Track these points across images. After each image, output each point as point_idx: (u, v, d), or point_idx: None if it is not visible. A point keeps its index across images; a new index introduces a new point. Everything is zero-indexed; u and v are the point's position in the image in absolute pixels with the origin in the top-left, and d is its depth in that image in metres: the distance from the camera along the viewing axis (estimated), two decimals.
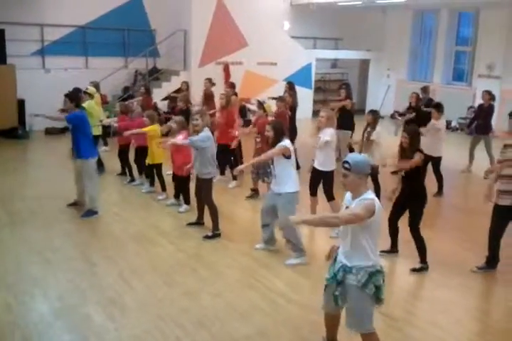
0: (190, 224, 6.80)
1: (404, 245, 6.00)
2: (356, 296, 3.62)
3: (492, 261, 5.68)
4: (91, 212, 7.05)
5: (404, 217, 5.79)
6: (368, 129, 7.44)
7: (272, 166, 5.77)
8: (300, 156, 8.83)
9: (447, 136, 9.85)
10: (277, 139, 5.58)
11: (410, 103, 9.80)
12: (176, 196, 7.61)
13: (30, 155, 11.33)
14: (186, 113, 8.41)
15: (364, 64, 17.77)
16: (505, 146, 5.54)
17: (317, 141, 6.48)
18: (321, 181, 6.71)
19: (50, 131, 12.64)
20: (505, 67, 13.76)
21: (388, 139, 9.77)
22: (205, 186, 6.40)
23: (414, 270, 5.63)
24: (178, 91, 11.44)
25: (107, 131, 10.79)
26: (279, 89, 11.57)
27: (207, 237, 6.38)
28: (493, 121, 10.32)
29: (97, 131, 8.76)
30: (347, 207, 3.65)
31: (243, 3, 14.37)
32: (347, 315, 3.75)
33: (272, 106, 8.39)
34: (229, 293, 5.05)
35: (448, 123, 12.20)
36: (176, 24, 13.88)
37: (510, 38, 13.65)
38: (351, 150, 9.24)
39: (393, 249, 6.01)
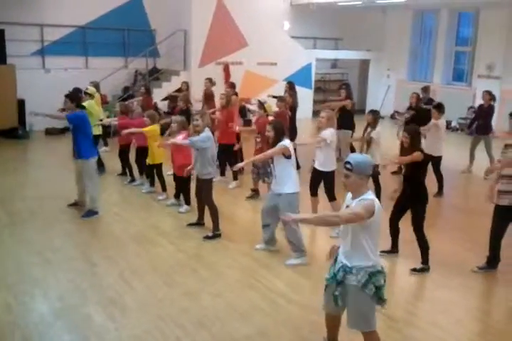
0: (190, 224, 6.80)
1: (404, 245, 6.00)
2: (356, 296, 3.62)
3: (493, 261, 5.68)
4: (91, 212, 7.05)
5: (405, 217, 5.78)
6: (368, 129, 7.45)
7: (272, 166, 5.78)
8: (300, 156, 8.83)
9: (447, 136, 9.86)
10: (278, 139, 5.59)
11: (411, 103, 9.79)
12: (177, 196, 7.61)
13: (31, 155, 11.33)
14: (186, 113, 8.41)
15: (364, 64, 17.77)
16: (506, 146, 5.54)
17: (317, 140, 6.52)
18: (321, 181, 6.71)
19: (50, 131, 12.64)
20: (505, 67, 13.76)
21: (389, 140, 9.80)
22: (205, 186, 6.40)
23: (414, 270, 5.62)
24: (178, 91, 11.45)
25: (107, 131, 10.79)
26: (279, 89, 11.57)
27: (207, 237, 6.38)
28: (494, 122, 10.32)
29: (97, 130, 8.76)
30: (347, 207, 3.65)
31: (243, 3, 14.37)
32: (348, 314, 3.74)
33: (273, 106, 8.39)
34: (229, 293, 5.05)
35: (448, 124, 12.19)
36: (176, 24, 13.88)
37: (510, 38, 13.65)
38: (352, 150, 9.25)
39: (393, 249, 6.01)
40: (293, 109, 9.55)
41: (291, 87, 10.20)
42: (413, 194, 5.62)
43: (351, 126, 9.46)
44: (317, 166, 6.64)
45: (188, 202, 7.37)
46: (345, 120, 9.31)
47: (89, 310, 4.65)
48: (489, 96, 9.88)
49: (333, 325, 4.02)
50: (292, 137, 8.31)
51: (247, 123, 11.79)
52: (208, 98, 10.11)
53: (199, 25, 13.81)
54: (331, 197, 6.66)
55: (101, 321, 4.49)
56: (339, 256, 3.75)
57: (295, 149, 6.41)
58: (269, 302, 4.89)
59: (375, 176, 7.27)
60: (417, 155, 5.50)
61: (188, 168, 6.80)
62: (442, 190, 8.55)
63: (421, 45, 16.66)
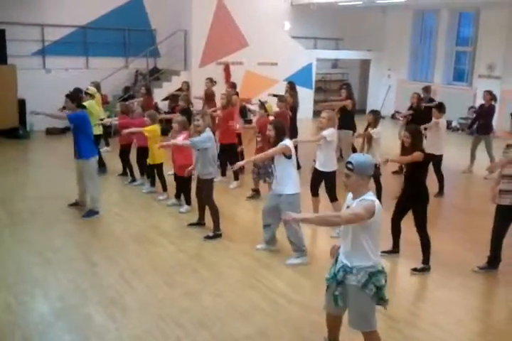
0: (191, 224, 6.79)
1: (405, 246, 5.99)
2: (356, 296, 3.62)
3: (494, 261, 5.68)
4: (92, 212, 7.05)
5: (408, 217, 5.78)
6: (369, 129, 7.44)
7: (272, 166, 5.78)
8: (300, 156, 8.83)
9: (448, 136, 9.86)
10: (278, 138, 5.60)
11: (412, 104, 9.79)
12: (177, 196, 7.61)
13: (31, 155, 11.34)
14: (187, 113, 8.41)
15: (365, 64, 17.77)
16: (508, 146, 5.53)
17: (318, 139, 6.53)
18: (322, 182, 6.71)
19: (50, 131, 12.65)
20: (506, 67, 13.76)
21: (390, 139, 9.80)
22: (206, 186, 6.40)
23: (415, 270, 5.62)
24: (178, 91, 11.44)
25: (107, 130, 10.79)
26: (280, 90, 11.57)
27: (208, 237, 6.38)
28: (494, 122, 10.32)
29: (97, 130, 8.76)
30: (348, 207, 3.65)
31: (244, 4, 14.38)
32: (349, 314, 3.75)
33: (273, 106, 8.38)
34: (230, 293, 5.04)
35: (449, 124, 12.19)
36: (176, 24, 13.89)
37: (511, 38, 13.64)
38: (354, 150, 9.25)
39: (395, 249, 6.00)
40: (294, 109, 9.55)
41: (291, 87, 10.20)
42: (414, 194, 5.62)
43: (352, 126, 9.45)
44: (318, 166, 6.64)
45: (188, 202, 7.37)
46: (345, 120, 9.30)
47: (90, 310, 4.65)
48: (490, 96, 9.88)
49: (334, 325, 4.02)
50: (293, 137, 8.29)
51: (248, 123, 11.80)
52: (209, 98, 10.11)
53: (199, 25, 13.81)
54: (332, 198, 6.66)
55: (101, 321, 4.49)
56: (340, 256, 3.75)
57: (296, 148, 6.41)
58: (270, 302, 4.89)
59: (376, 176, 7.29)
60: (417, 155, 5.49)
61: (189, 168, 6.80)
62: (443, 190, 8.55)
63: (421, 45, 16.65)
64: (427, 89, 10.94)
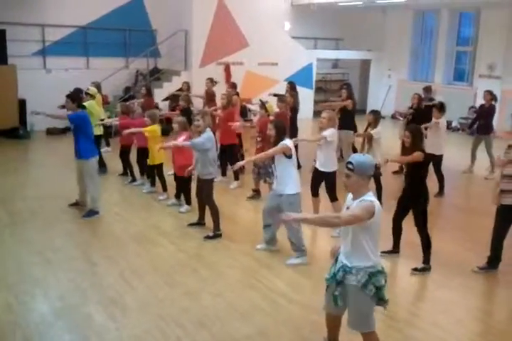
0: (191, 224, 6.80)
1: (405, 246, 5.99)
2: (356, 297, 3.62)
3: (494, 261, 5.67)
4: (92, 212, 7.05)
5: (409, 217, 5.77)
6: (369, 129, 7.44)
7: (273, 166, 5.78)
8: (301, 156, 8.83)
9: (448, 136, 9.86)
10: (279, 138, 5.61)
11: (412, 104, 9.78)
12: (177, 196, 7.61)
13: (31, 155, 11.34)
14: (187, 112, 8.42)
15: (365, 64, 17.77)
16: (510, 147, 5.53)
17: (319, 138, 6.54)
18: (322, 182, 6.71)
19: (51, 131, 12.65)
20: (506, 67, 13.75)
21: (390, 139, 9.80)
22: (206, 187, 6.40)
23: (415, 270, 5.62)
24: (179, 91, 11.44)
25: (108, 131, 10.80)
26: (280, 90, 11.58)
27: (208, 237, 6.38)
28: (495, 122, 10.31)
29: (98, 130, 8.76)
30: (348, 208, 3.65)
31: (244, 4, 14.38)
32: (348, 314, 3.75)
33: (274, 106, 8.37)
34: (230, 293, 5.04)
35: (449, 124, 12.20)
36: (176, 24, 13.89)
37: (511, 38, 13.64)
38: (354, 150, 9.24)
39: (395, 250, 6.00)
40: (294, 109, 9.55)
41: (292, 87, 10.20)
42: (414, 194, 5.61)
43: (352, 127, 9.45)
44: (318, 166, 6.64)
45: (188, 202, 7.37)
46: (346, 120, 9.30)
47: (90, 310, 4.66)
48: (490, 96, 9.87)
49: (333, 325, 4.02)
50: (293, 137, 8.29)
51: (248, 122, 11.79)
52: (210, 98, 10.12)
53: (200, 26, 13.81)
54: (333, 198, 6.66)
55: (101, 321, 4.50)
56: (340, 256, 3.75)
57: (296, 148, 6.41)
58: (270, 302, 4.89)
59: (377, 176, 7.29)
60: (417, 155, 5.48)
61: (189, 168, 6.81)
62: (443, 190, 8.55)
63: (422, 45, 16.65)
64: (427, 89, 10.94)
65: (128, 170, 8.84)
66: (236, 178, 8.67)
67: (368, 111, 11.99)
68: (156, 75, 14.05)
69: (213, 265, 5.69)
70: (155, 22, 14.24)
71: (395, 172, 9.54)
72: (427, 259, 5.64)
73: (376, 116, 7.49)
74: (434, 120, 8.36)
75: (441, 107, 8.45)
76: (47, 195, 7.91)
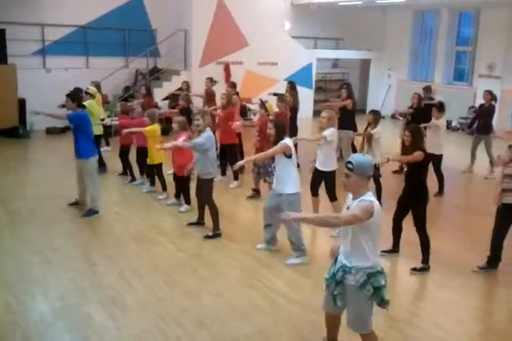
0: (190, 224, 6.79)
1: (405, 245, 5.99)
2: (354, 297, 3.62)
3: (494, 260, 5.67)
4: (92, 212, 7.05)
5: (409, 217, 5.77)
6: (369, 129, 7.44)
7: (273, 165, 5.78)
8: (301, 156, 8.82)
9: (448, 136, 9.86)
10: (279, 137, 5.61)
11: (412, 104, 9.78)
12: (177, 196, 7.61)
13: (31, 154, 11.34)
14: (187, 112, 8.41)
15: (365, 64, 17.77)
16: (511, 147, 5.52)
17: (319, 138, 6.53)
18: (322, 181, 6.71)
19: (51, 131, 12.64)
20: (506, 67, 13.75)
21: (390, 139, 9.79)
22: (205, 186, 6.39)
23: (414, 269, 5.62)
24: (178, 91, 11.43)
25: (108, 130, 10.79)
26: (280, 89, 11.56)
27: (207, 237, 6.38)
28: (494, 122, 10.31)
29: (98, 130, 8.74)
30: (348, 208, 3.65)
31: (244, 3, 14.37)
32: (347, 315, 3.75)
33: (274, 105, 8.37)
34: (229, 293, 5.04)
35: (448, 123, 12.19)
36: (176, 24, 13.88)
37: (511, 38, 13.64)
38: (354, 150, 9.24)
39: (394, 249, 6.00)
40: (294, 108, 9.55)
41: (292, 86, 10.20)
42: (414, 193, 5.61)
43: (352, 126, 9.45)
44: (318, 166, 6.63)
45: (188, 201, 7.37)
46: (346, 120, 9.30)
47: (90, 310, 4.65)
48: (490, 96, 9.87)
49: (332, 324, 4.02)
50: (292, 137, 8.29)
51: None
52: (209, 97, 10.12)
53: (200, 25, 13.81)
54: (332, 197, 6.66)
55: (101, 320, 4.49)
56: (339, 256, 3.75)
57: (296, 146, 6.41)
58: (270, 302, 4.89)
59: (376, 177, 7.28)
60: (418, 155, 5.48)
61: (189, 166, 6.80)
62: (443, 189, 8.55)
63: (421, 45, 16.64)
64: (427, 89, 10.94)
65: (127, 170, 8.84)
66: (236, 178, 8.66)
67: (367, 110, 11.99)
68: (156, 75, 14.05)
69: (213, 264, 5.69)
70: (155, 22, 14.23)
71: (394, 172, 9.54)
72: (425, 259, 5.64)
73: (376, 116, 7.49)
74: (433, 120, 8.36)
75: (441, 107, 8.45)
76: (46, 194, 7.90)
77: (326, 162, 6.57)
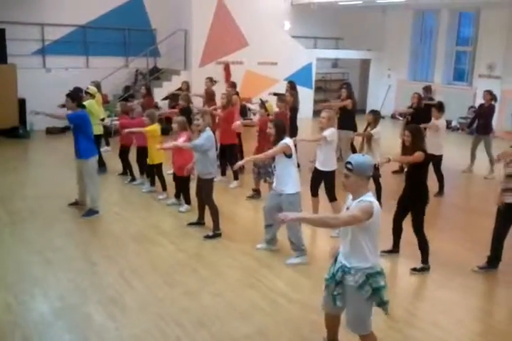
0: (190, 224, 6.79)
1: (405, 245, 5.99)
2: (353, 297, 3.62)
3: (494, 260, 5.67)
4: (92, 212, 7.05)
5: (408, 217, 5.76)
6: (369, 129, 7.44)
7: (273, 165, 5.78)
8: (301, 156, 8.81)
9: (448, 136, 9.86)
10: (279, 136, 5.61)
11: (412, 104, 9.78)
12: (177, 196, 7.60)
13: (31, 154, 11.33)
14: (187, 112, 8.41)
15: (365, 64, 17.77)
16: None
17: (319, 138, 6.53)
18: (321, 181, 6.71)
19: (50, 131, 12.64)
20: (506, 67, 13.76)
21: (389, 139, 9.79)
22: (205, 186, 6.39)
23: (414, 270, 5.61)
24: (178, 90, 11.43)
25: (108, 130, 10.79)
26: (280, 89, 11.56)
27: (207, 237, 6.37)
28: (494, 122, 10.31)
29: (98, 130, 8.74)
30: (347, 208, 3.64)
31: (244, 3, 14.37)
32: (346, 315, 3.75)
33: (274, 105, 8.37)
34: (229, 293, 5.04)
35: (448, 123, 12.19)
36: (176, 24, 13.88)
37: (511, 38, 13.64)
38: (354, 150, 9.24)
39: (395, 249, 6.00)
40: (294, 108, 9.54)
41: (292, 86, 10.19)
42: (414, 193, 5.61)
43: (352, 126, 9.44)
44: (318, 166, 6.63)
45: (188, 201, 7.37)
46: (346, 120, 9.30)
47: (90, 310, 4.65)
48: (490, 96, 9.87)
49: (332, 324, 4.02)
50: (292, 137, 8.28)
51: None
52: (209, 97, 10.11)
53: (200, 25, 13.81)
54: (332, 198, 6.65)
55: (101, 320, 4.49)
56: (339, 256, 3.75)
57: (296, 146, 6.40)
58: (270, 302, 4.89)
59: (376, 177, 7.28)
60: (418, 156, 5.47)
61: (189, 166, 6.80)
62: (443, 189, 8.55)
63: (421, 45, 16.65)
64: (427, 89, 10.94)
65: (127, 170, 8.84)
66: (236, 178, 8.66)
67: (367, 110, 11.99)
68: (156, 74, 14.05)
69: (213, 264, 5.69)
70: (155, 21, 14.24)
71: (394, 172, 9.55)
72: (425, 259, 5.64)
73: (376, 116, 7.49)
74: (433, 120, 8.36)
75: (441, 107, 8.46)
76: (46, 194, 7.90)
77: (326, 162, 6.56)
